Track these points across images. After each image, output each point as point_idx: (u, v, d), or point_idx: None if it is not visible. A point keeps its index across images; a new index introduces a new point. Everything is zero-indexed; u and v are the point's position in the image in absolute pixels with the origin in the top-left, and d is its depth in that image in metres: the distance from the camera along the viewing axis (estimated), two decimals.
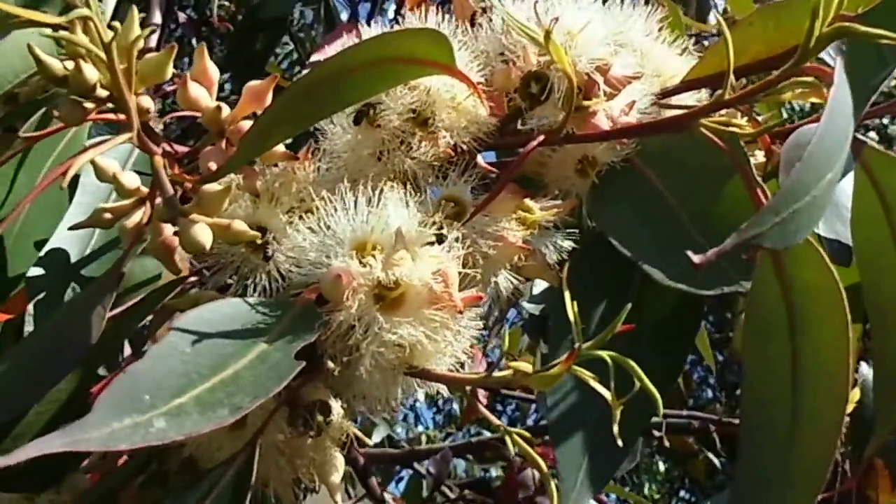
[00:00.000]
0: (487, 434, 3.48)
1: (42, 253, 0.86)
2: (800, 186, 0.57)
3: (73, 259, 0.88)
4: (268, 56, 2.60)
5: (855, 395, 1.95)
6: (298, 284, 0.74)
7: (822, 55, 0.75)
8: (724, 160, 0.78)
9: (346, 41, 1.27)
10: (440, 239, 0.73)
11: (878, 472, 1.84)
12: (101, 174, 0.77)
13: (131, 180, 0.78)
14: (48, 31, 0.69)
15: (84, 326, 0.70)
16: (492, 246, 0.81)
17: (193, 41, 3.08)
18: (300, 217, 0.80)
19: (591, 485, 0.79)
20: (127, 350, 1.22)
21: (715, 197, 0.82)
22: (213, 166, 0.77)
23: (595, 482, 0.79)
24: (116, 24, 0.67)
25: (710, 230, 0.80)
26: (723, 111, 0.78)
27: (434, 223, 0.74)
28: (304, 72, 1.84)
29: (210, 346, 0.61)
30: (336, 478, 0.83)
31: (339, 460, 0.83)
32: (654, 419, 2.49)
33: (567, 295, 0.64)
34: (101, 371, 0.98)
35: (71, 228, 0.84)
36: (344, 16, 3.02)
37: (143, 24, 2.27)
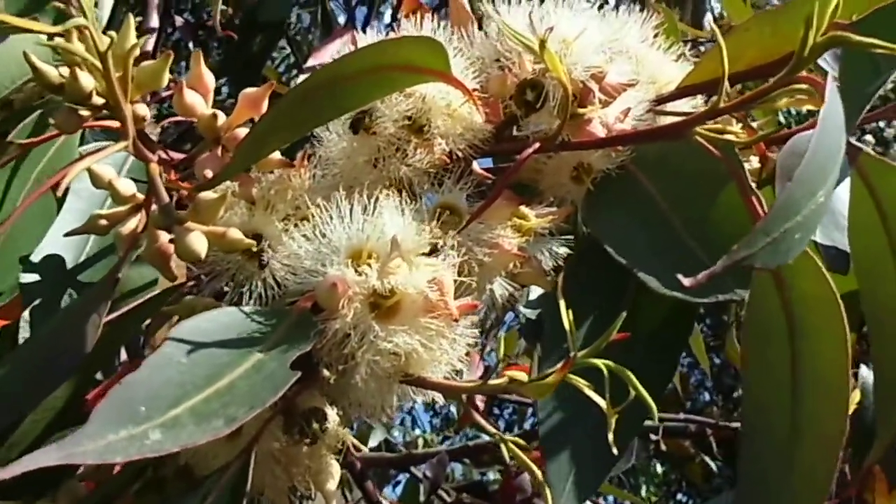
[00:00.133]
0: (485, 438, 3.49)
1: (37, 259, 0.86)
2: (791, 205, 0.57)
3: (69, 265, 0.88)
4: (265, 60, 2.61)
5: (855, 396, 1.96)
6: (294, 292, 0.74)
7: (820, 61, 0.75)
8: (719, 167, 0.78)
9: (341, 47, 1.27)
10: (435, 247, 0.73)
11: (875, 476, 1.84)
12: (96, 180, 0.77)
13: (127, 187, 0.78)
14: (44, 38, 0.69)
15: (79, 334, 0.70)
16: (487, 253, 0.81)
17: (191, 45, 3.07)
18: (296, 224, 0.80)
19: (580, 492, 0.79)
20: (123, 355, 1.22)
21: (710, 204, 0.82)
22: (209, 174, 0.77)
23: (585, 489, 0.79)
24: (112, 33, 0.67)
25: (705, 238, 0.80)
26: (718, 118, 0.78)
27: (429, 231, 0.74)
28: (301, 77, 1.84)
29: (206, 356, 0.61)
30: (332, 485, 0.83)
31: (335, 468, 0.83)
32: (651, 423, 2.50)
33: (562, 303, 0.64)
34: (99, 376, 0.98)
35: (67, 235, 0.84)
36: (341, 19, 3.02)
37: (139, 28, 2.28)
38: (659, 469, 4.46)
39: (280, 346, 0.65)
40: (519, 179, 0.85)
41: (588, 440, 0.81)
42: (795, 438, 0.74)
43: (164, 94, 1.66)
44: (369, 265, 0.70)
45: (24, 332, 0.82)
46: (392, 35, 0.87)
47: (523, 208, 0.85)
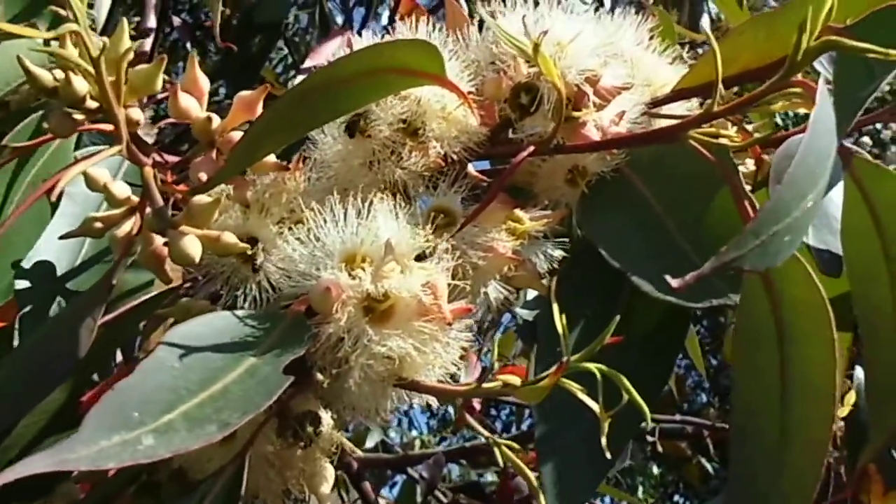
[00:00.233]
0: (482, 439, 3.48)
1: (28, 264, 0.86)
2: (780, 208, 0.57)
3: (64, 269, 0.88)
4: (263, 61, 2.60)
5: (850, 398, 1.96)
6: (289, 296, 0.74)
7: (815, 63, 0.76)
8: (714, 171, 0.78)
9: (337, 50, 1.27)
10: (429, 251, 0.73)
11: (871, 478, 1.84)
12: (91, 183, 0.77)
13: (121, 190, 0.78)
14: (39, 42, 0.69)
15: (73, 339, 0.70)
16: (482, 257, 0.81)
17: (188, 45, 3.07)
18: (290, 228, 0.80)
19: (574, 497, 0.79)
20: (119, 357, 1.22)
21: (704, 207, 0.82)
22: (203, 177, 0.77)
23: (579, 494, 0.79)
24: (105, 39, 0.67)
25: (699, 241, 0.80)
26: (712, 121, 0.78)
27: (424, 235, 0.74)
28: (298, 78, 1.84)
29: (199, 361, 0.61)
30: (326, 488, 0.83)
31: (329, 471, 0.83)
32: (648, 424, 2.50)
33: (555, 308, 0.64)
34: (95, 377, 0.98)
35: (62, 238, 0.84)
36: (339, 20, 3.02)
37: (137, 29, 2.26)
38: (655, 470, 4.46)
39: (274, 350, 0.65)
40: (514, 182, 0.85)
41: (583, 444, 0.81)
42: (784, 442, 0.74)
43: (161, 95, 1.66)
44: (363, 269, 0.70)
45: (16, 339, 0.82)
46: (387, 38, 0.87)
47: (518, 211, 0.85)
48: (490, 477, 3.24)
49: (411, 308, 0.70)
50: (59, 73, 0.72)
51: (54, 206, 0.87)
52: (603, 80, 0.83)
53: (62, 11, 0.69)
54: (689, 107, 0.97)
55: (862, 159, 0.83)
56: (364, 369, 0.69)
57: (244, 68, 2.51)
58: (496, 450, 0.69)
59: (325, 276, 0.70)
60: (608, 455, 0.64)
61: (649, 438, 2.51)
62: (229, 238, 0.74)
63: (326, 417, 0.81)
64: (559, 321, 0.64)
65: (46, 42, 0.70)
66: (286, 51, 3.48)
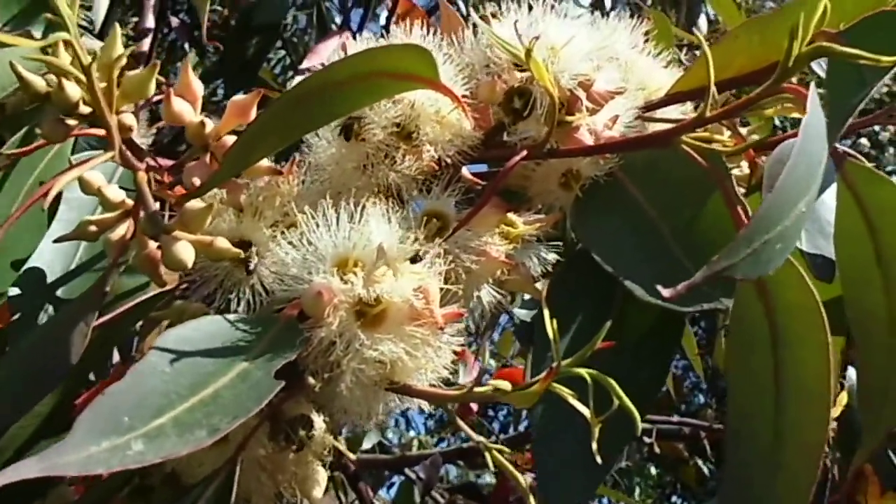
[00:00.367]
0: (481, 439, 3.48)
1: (25, 268, 0.86)
2: (772, 217, 0.57)
3: (59, 273, 0.88)
4: (261, 61, 2.61)
5: (842, 398, 1.96)
6: (281, 299, 0.75)
7: (814, 65, 0.76)
8: (707, 175, 0.79)
9: (332, 54, 1.28)
10: (421, 255, 0.73)
11: (868, 479, 1.85)
12: (86, 187, 0.78)
13: (116, 193, 0.78)
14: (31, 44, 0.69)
15: (66, 344, 0.70)
16: (474, 261, 0.81)
17: (186, 46, 3.07)
18: (284, 231, 0.80)
19: (570, 501, 0.79)
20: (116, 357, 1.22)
21: (697, 212, 0.82)
22: (197, 182, 0.77)
23: (574, 498, 0.80)
24: (100, 43, 0.67)
25: (692, 246, 0.80)
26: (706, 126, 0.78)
27: (416, 239, 0.74)
28: (295, 80, 1.84)
29: (190, 365, 0.61)
30: (318, 492, 0.83)
31: (321, 475, 0.83)
32: (645, 425, 2.51)
33: (546, 313, 0.64)
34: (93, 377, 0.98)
35: (56, 241, 0.84)
36: (337, 20, 3.02)
37: (135, 29, 2.25)
38: (653, 471, 4.46)
39: (265, 354, 0.65)
40: (507, 186, 0.85)
41: (579, 447, 0.81)
42: (779, 445, 0.74)
43: (158, 97, 1.66)
44: (355, 273, 0.70)
45: (11, 343, 0.82)
46: (382, 41, 0.88)
47: (511, 215, 0.85)
48: (488, 478, 3.25)
49: (403, 312, 0.70)
50: (53, 79, 0.72)
51: (51, 212, 0.87)
52: (596, 85, 0.84)
53: (56, 17, 0.69)
54: (683, 110, 0.97)
55: (855, 163, 0.83)
56: (356, 373, 0.69)
57: (242, 69, 2.52)
58: (487, 454, 0.69)
59: (317, 281, 0.70)
60: (599, 460, 0.64)
61: (647, 440, 2.51)
62: (222, 243, 0.74)
63: (319, 421, 0.81)
64: (550, 326, 0.64)
65: (44, 49, 0.70)
66: (284, 52, 3.48)
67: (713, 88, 0.74)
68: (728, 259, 0.56)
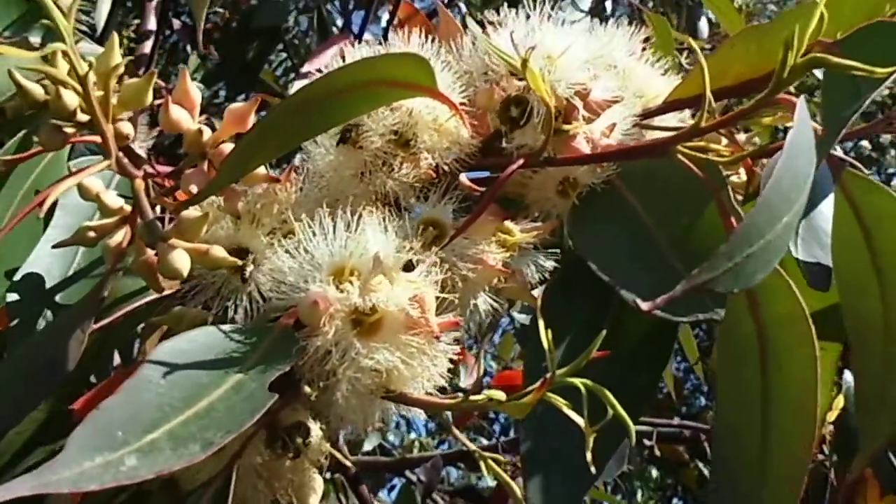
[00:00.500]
0: (482, 441, 3.49)
1: (23, 273, 0.86)
2: (754, 231, 0.57)
3: (57, 278, 0.88)
4: (262, 64, 2.61)
5: (839, 402, 1.96)
6: (278, 308, 0.75)
7: (817, 71, 0.76)
8: (703, 184, 0.79)
9: (330, 61, 1.28)
10: (417, 264, 0.73)
11: (868, 482, 1.85)
12: (84, 193, 0.78)
13: (114, 200, 0.79)
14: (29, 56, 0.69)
15: (62, 351, 0.70)
16: (471, 269, 0.81)
17: (188, 48, 3.08)
18: (282, 238, 0.80)
19: None
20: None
21: (694, 220, 0.82)
22: (194, 189, 0.78)
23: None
24: (95, 53, 0.68)
25: (688, 255, 0.80)
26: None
27: (412, 248, 0.74)
28: (296, 84, 1.85)
29: (185, 378, 0.61)
30: (314, 499, 0.83)
31: (318, 482, 0.83)
32: (645, 428, 2.51)
33: (541, 323, 0.65)
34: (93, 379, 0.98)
35: (55, 246, 0.84)
36: (339, 23, 3.02)
37: (137, 31, 2.25)
38: (654, 473, 4.46)
39: (260, 365, 0.65)
40: (504, 193, 0.86)
41: (572, 452, 0.81)
42: (766, 456, 0.74)
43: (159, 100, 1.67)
44: (351, 282, 0.70)
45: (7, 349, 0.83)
46: (381, 48, 0.88)
47: (508, 223, 0.85)
48: (489, 480, 3.25)
49: (399, 321, 0.70)
50: (51, 86, 0.72)
51: (47, 216, 0.88)
52: (593, 94, 0.84)
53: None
54: (681, 118, 0.98)
55: (852, 173, 0.83)
56: (352, 382, 0.70)
57: (243, 71, 2.52)
58: (481, 463, 0.69)
59: (314, 289, 0.70)
60: (593, 469, 0.64)
61: (647, 442, 2.52)
62: (218, 252, 0.74)
63: (315, 428, 0.81)
64: (544, 336, 0.64)
65: (45, 58, 0.70)
66: (286, 54, 3.48)
67: (709, 98, 0.74)
68: (708, 273, 0.56)
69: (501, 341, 2.97)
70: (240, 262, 0.78)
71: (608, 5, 2.71)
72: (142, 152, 0.96)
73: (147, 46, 2.35)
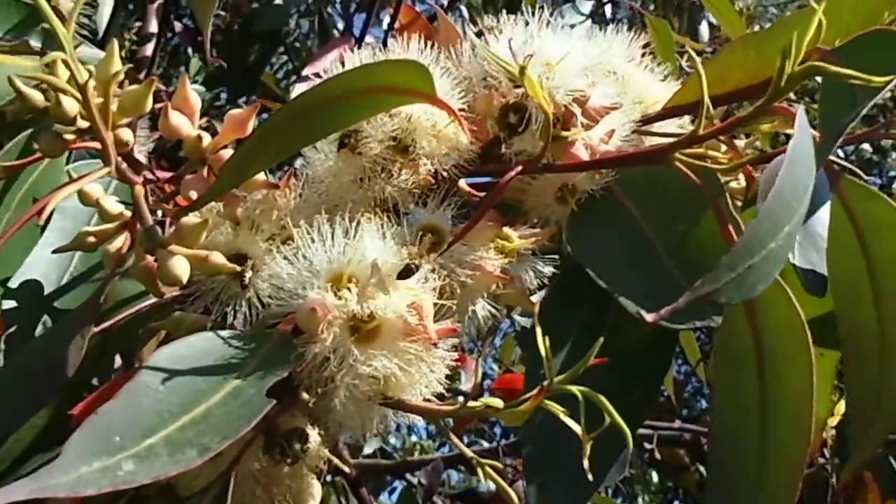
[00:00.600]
0: (483, 444, 3.49)
1: (20, 280, 0.86)
2: (756, 242, 0.57)
3: (55, 283, 0.88)
4: (263, 67, 2.62)
5: (840, 407, 1.96)
6: (276, 314, 0.75)
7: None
8: (702, 191, 0.79)
9: (330, 65, 1.28)
10: (416, 270, 0.73)
11: (867, 486, 1.85)
12: (84, 198, 0.78)
13: (114, 205, 0.79)
14: (28, 64, 0.69)
15: (62, 357, 0.71)
16: (469, 275, 0.81)
17: (189, 50, 3.08)
18: (281, 244, 0.81)
19: None
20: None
21: (692, 228, 0.82)
22: (194, 195, 0.78)
23: None
24: (96, 58, 0.68)
25: (687, 262, 0.80)
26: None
27: (411, 255, 0.74)
28: (297, 87, 1.85)
29: (183, 383, 0.62)
30: None
31: (316, 487, 0.84)
32: (646, 431, 2.51)
33: (538, 330, 0.65)
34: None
35: (55, 252, 0.84)
36: (340, 25, 3.03)
37: (138, 34, 2.26)
38: (655, 477, 4.46)
39: (258, 371, 0.65)
40: (503, 199, 0.86)
41: (573, 460, 0.81)
42: (763, 464, 0.74)
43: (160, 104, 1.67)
44: (349, 289, 0.71)
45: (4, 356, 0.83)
46: (381, 55, 0.88)
47: (506, 229, 0.86)
48: (490, 483, 3.24)
49: (397, 328, 0.70)
50: (52, 92, 0.73)
51: (44, 222, 0.88)
52: (592, 100, 0.84)
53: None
54: (680, 124, 0.98)
55: (849, 180, 0.83)
56: (349, 388, 0.70)
57: (245, 74, 2.53)
58: (479, 469, 0.69)
59: (312, 296, 0.71)
60: (591, 477, 0.64)
61: (647, 445, 2.52)
62: (218, 258, 0.74)
63: (314, 434, 0.81)
64: (542, 344, 0.64)
65: (47, 66, 0.70)
66: (287, 57, 3.49)
67: (707, 105, 0.74)
68: (711, 284, 0.56)
69: (503, 344, 2.97)
70: (239, 268, 0.78)
71: (608, 9, 2.72)
72: (142, 156, 0.97)
73: (149, 49, 2.36)
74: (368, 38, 2.49)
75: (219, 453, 0.72)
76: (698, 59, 0.75)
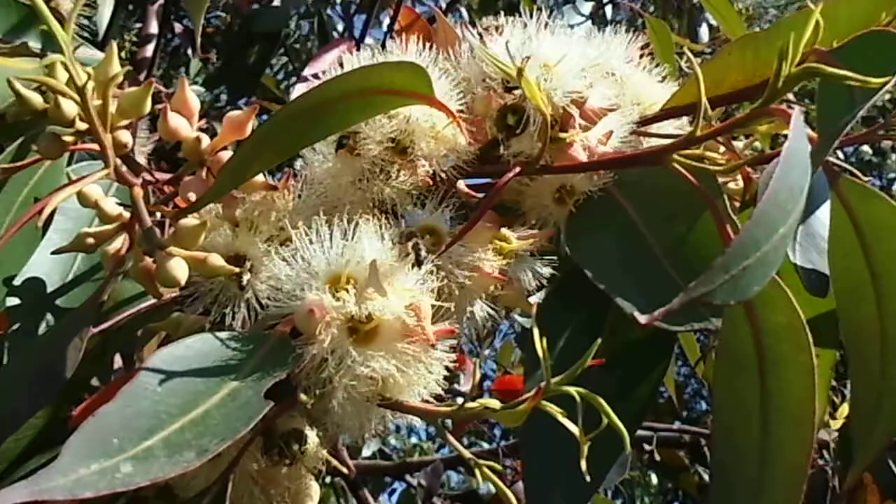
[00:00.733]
0: (484, 445, 3.49)
1: (23, 278, 0.86)
2: (750, 243, 0.57)
3: (56, 283, 0.88)
4: (263, 68, 2.62)
5: (843, 410, 1.96)
6: (275, 315, 0.75)
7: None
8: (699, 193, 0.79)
9: (329, 67, 1.28)
10: (417, 265, 0.73)
11: (868, 488, 1.85)
12: (84, 200, 0.78)
13: (113, 206, 0.79)
14: (27, 65, 0.69)
15: (61, 358, 0.71)
16: (468, 276, 0.82)
17: (189, 51, 3.08)
18: (279, 246, 0.81)
19: None
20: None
21: (689, 229, 0.82)
22: (193, 197, 0.78)
23: None
24: (95, 59, 0.68)
25: (684, 264, 0.80)
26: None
27: (409, 256, 0.74)
28: (296, 88, 1.85)
29: (181, 385, 0.62)
30: None
31: (315, 489, 0.84)
32: (646, 432, 2.51)
33: (536, 331, 0.65)
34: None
35: (54, 253, 0.84)
36: (340, 27, 3.03)
37: (139, 35, 2.27)
38: (654, 479, 4.45)
39: (256, 373, 0.65)
40: (502, 201, 0.86)
41: (572, 461, 0.81)
42: (764, 467, 0.74)
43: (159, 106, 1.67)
44: (347, 290, 0.71)
45: (6, 355, 0.83)
46: (380, 57, 0.88)
47: (505, 230, 0.86)
48: (490, 485, 3.24)
49: (395, 329, 0.70)
50: (51, 94, 0.73)
51: (46, 221, 0.88)
52: (590, 101, 0.84)
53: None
54: (679, 125, 0.98)
55: (848, 179, 0.83)
56: (347, 390, 0.70)
57: (245, 76, 2.53)
58: (476, 470, 0.69)
59: (310, 298, 0.71)
60: (588, 478, 0.64)
61: (647, 447, 2.51)
62: (216, 260, 0.74)
63: (312, 435, 0.81)
64: (539, 345, 0.64)
65: (46, 68, 0.71)
66: (287, 58, 3.49)
67: (705, 106, 0.74)
68: (705, 286, 0.56)
69: (502, 346, 2.97)
70: (237, 270, 0.78)
71: (608, 10, 2.72)
72: (142, 158, 0.97)
73: (149, 50, 2.36)
74: (368, 40, 2.49)
75: (217, 455, 0.72)
76: (696, 61, 0.75)
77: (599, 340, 0.65)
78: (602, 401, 0.64)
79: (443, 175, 0.86)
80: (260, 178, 0.82)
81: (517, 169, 0.82)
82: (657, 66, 0.99)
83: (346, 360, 0.69)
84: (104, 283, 0.80)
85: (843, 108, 0.69)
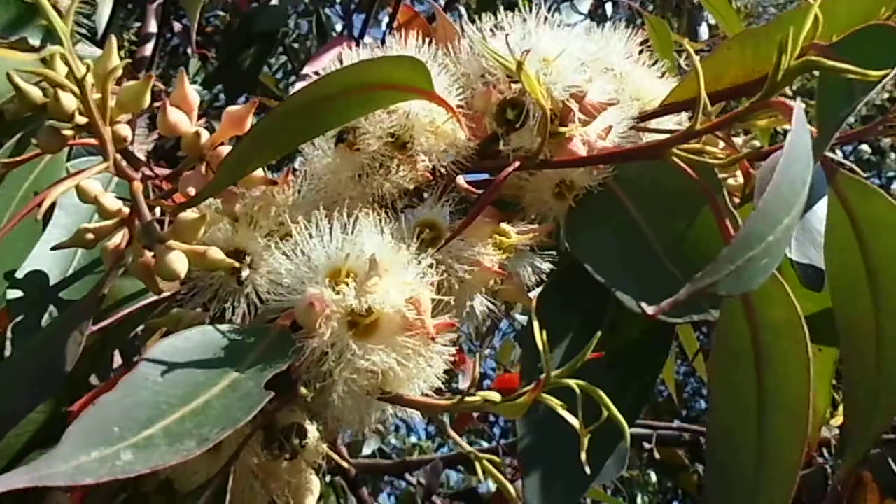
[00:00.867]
0: (483, 444, 3.49)
1: (21, 274, 0.86)
2: (755, 234, 0.57)
3: (56, 279, 0.88)
4: (261, 67, 2.62)
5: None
6: (275, 309, 0.75)
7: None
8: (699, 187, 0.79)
9: (329, 64, 1.29)
10: (414, 266, 0.73)
11: (867, 485, 1.85)
12: (83, 195, 0.78)
13: (112, 201, 0.79)
14: (27, 59, 0.69)
15: (60, 353, 0.71)
16: (468, 271, 0.82)
17: (189, 50, 3.08)
18: (279, 240, 0.81)
19: None
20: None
21: (689, 223, 0.82)
22: (192, 191, 0.78)
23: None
24: (94, 56, 0.68)
25: (684, 257, 0.80)
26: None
27: (409, 249, 0.74)
28: (295, 87, 1.85)
29: (182, 376, 0.62)
30: (311, 501, 0.83)
31: (315, 483, 0.84)
32: (645, 431, 2.51)
33: (535, 324, 0.65)
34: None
35: (54, 248, 0.84)
36: (339, 26, 3.03)
37: (138, 34, 2.27)
38: (654, 477, 4.45)
39: (257, 365, 0.65)
40: (501, 195, 0.86)
41: (569, 454, 0.81)
42: (760, 464, 0.74)
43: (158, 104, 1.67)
44: (347, 284, 0.71)
45: (6, 350, 0.83)
46: (379, 52, 0.88)
47: (504, 225, 0.86)
48: (490, 484, 3.25)
49: (395, 323, 0.70)
50: (50, 88, 0.73)
51: (46, 217, 0.88)
52: (589, 96, 0.84)
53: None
54: (678, 120, 0.98)
55: (846, 175, 0.83)
56: (348, 383, 0.70)
57: (244, 74, 2.53)
58: (477, 464, 0.69)
59: (310, 291, 0.71)
60: (588, 470, 0.64)
61: (646, 445, 2.51)
62: (216, 254, 0.74)
63: (312, 430, 0.81)
64: (539, 338, 0.64)
65: (43, 60, 0.71)
66: (286, 57, 3.49)
67: (705, 101, 0.74)
68: (711, 276, 0.56)
69: (502, 344, 2.97)
70: (237, 265, 0.78)
71: (608, 8, 2.72)
72: (142, 155, 0.97)
73: (148, 49, 2.36)
74: (367, 39, 2.49)
75: (218, 448, 0.72)
76: (696, 56, 0.75)
77: (599, 334, 0.66)
78: (602, 393, 0.64)
79: (442, 170, 0.86)
80: (259, 173, 0.82)
81: (517, 164, 0.82)
82: (656, 62, 1.00)
83: (346, 354, 0.69)
84: (104, 277, 0.80)
85: (842, 102, 0.69)
